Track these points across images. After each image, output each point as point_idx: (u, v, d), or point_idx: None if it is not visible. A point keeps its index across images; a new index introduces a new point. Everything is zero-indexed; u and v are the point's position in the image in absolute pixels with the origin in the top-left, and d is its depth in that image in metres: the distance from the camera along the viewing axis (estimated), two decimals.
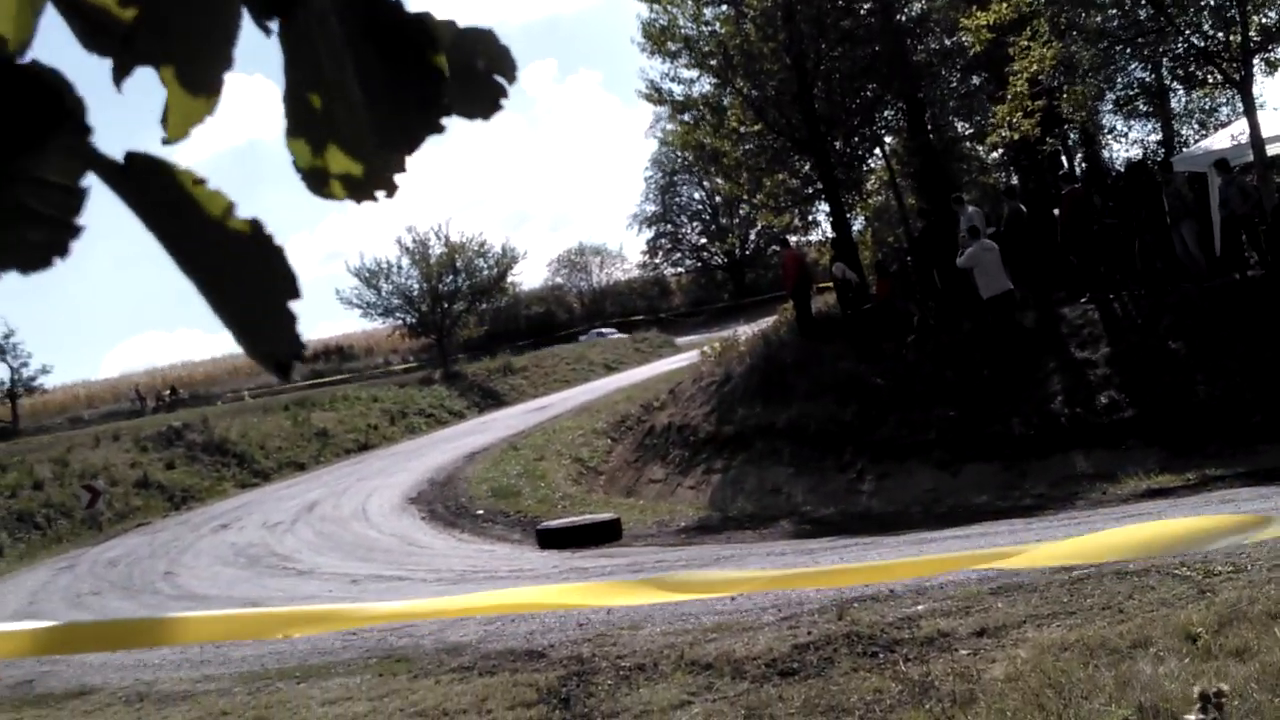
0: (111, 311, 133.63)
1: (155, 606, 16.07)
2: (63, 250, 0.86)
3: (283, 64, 1.04)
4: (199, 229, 0.91)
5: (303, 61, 1.03)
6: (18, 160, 0.85)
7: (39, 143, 0.87)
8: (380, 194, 1.12)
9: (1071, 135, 27.74)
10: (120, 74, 1.00)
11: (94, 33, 0.98)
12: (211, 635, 9.73)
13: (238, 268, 0.93)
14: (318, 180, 1.09)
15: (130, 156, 0.91)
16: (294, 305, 0.97)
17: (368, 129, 1.07)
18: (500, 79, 1.19)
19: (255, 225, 0.93)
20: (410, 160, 1.12)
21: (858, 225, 28.26)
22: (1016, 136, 22.91)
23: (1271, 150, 20.14)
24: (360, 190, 1.10)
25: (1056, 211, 20.21)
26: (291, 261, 0.97)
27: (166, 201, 0.90)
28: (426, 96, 1.09)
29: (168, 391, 52.78)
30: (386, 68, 1.04)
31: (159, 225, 0.91)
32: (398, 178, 1.11)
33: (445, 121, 1.11)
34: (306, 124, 1.07)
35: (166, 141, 1.04)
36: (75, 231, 0.87)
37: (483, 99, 1.19)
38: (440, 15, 1.11)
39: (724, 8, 25.17)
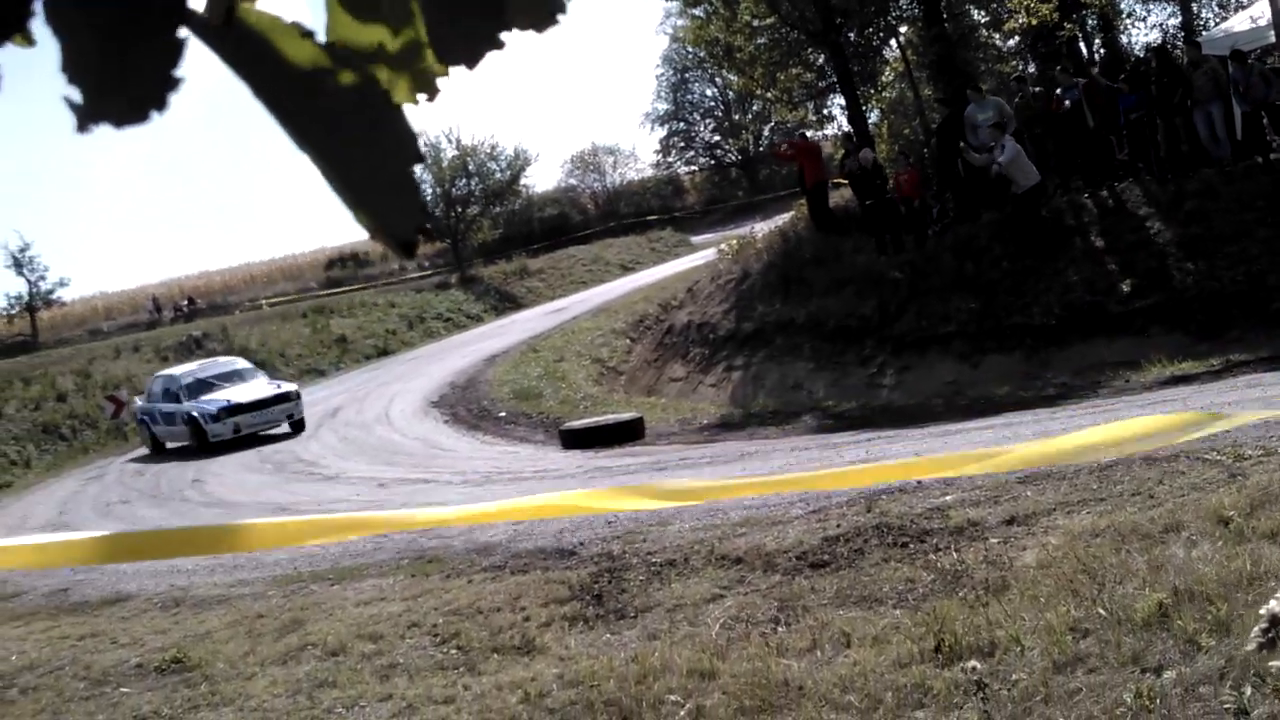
0: (124, 221, 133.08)
1: (184, 514, 16.25)
2: (160, 104, 0.81)
3: None
4: (308, 89, 0.85)
5: None
6: (116, 11, 0.80)
7: None
8: (422, 97, 1.07)
9: (1089, 20, 27.14)
10: None
11: None
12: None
13: (352, 129, 0.86)
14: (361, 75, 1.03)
15: (229, 11, 0.84)
16: (415, 171, 0.90)
17: (424, 35, 1.01)
18: None
19: (369, 81, 0.87)
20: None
21: (873, 118, 27.85)
22: (1034, 22, 22.46)
23: None
24: (405, 92, 1.05)
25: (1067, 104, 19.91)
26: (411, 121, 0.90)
27: (270, 59, 0.84)
28: (490, 7, 1.03)
29: (185, 301, 52.72)
30: None
31: (263, 87, 0.85)
32: (439, 81, 1.05)
33: (505, 36, 1.05)
34: (354, 22, 1.01)
35: None
36: (174, 84, 0.82)
37: (540, 11, 1.13)
38: None
39: None
